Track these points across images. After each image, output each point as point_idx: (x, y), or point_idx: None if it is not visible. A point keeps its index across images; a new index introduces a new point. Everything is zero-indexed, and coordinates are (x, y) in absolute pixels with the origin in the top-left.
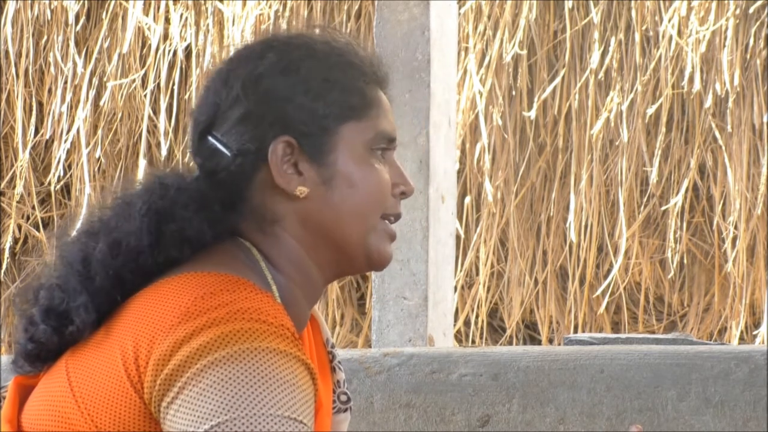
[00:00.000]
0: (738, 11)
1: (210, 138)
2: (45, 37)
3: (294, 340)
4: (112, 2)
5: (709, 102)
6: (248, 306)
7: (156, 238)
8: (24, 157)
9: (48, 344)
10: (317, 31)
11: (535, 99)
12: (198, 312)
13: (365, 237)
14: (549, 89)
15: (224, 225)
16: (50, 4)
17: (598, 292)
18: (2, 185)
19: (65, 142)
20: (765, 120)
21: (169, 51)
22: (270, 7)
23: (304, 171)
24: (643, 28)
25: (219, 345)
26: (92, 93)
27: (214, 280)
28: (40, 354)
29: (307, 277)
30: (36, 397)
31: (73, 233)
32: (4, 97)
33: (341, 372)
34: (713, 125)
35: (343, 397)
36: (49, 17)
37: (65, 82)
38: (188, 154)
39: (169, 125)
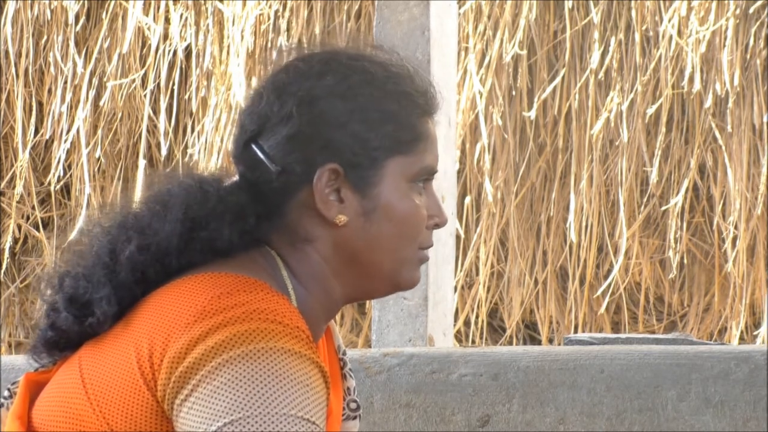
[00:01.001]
0: (738, 11)
1: (255, 148)
2: (45, 37)
3: (308, 342)
4: (112, 2)
5: (709, 102)
6: (264, 307)
7: (185, 243)
8: (24, 157)
9: (68, 332)
10: (377, 52)
11: (535, 99)
12: (214, 311)
13: (397, 269)
14: (549, 89)
15: (255, 235)
16: (50, 4)
17: (599, 292)
18: (2, 185)
19: (65, 142)
20: (765, 120)
21: (169, 51)
22: (270, 7)
23: (346, 199)
24: (643, 28)
25: (233, 344)
26: (92, 93)
27: (231, 281)
28: (59, 342)
29: (328, 295)
30: (48, 393)
31: (106, 224)
32: (4, 97)
33: (352, 379)
34: (713, 125)
35: (353, 405)
36: (49, 17)
37: (65, 82)
38: (230, 158)
39: (169, 125)
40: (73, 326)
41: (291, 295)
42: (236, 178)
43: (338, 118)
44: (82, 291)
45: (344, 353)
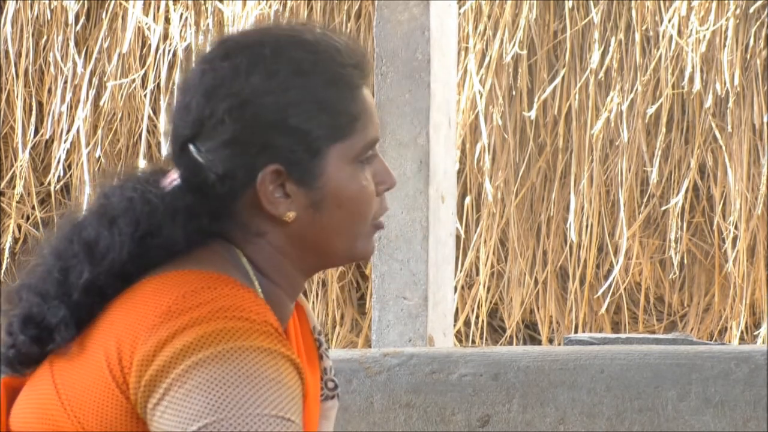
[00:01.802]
0: (738, 11)
1: (194, 152)
2: (45, 37)
3: (278, 336)
4: (112, 2)
5: (709, 102)
6: (230, 303)
7: (140, 252)
8: (24, 157)
9: (29, 353)
10: (293, 28)
11: (535, 99)
12: (179, 311)
13: (352, 245)
14: (549, 89)
15: (210, 230)
16: (50, 4)
17: (599, 293)
18: (2, 185)
19: (65, 142)
20: (765, 120)
21: (169, 51)
22: (270, 7)
23: (293, 194)
24: (643, 28)
25: (203, 345)
26: (92, 93)
27: (195, 278)
28: (21, 361)
29: (288, 279)
30: (23, 399)
31: (51, 235)
32: (4, 97)
33: (328, 359)
34: (713, 125)
35: (331, 384)
36: (49, 17)
37: (65, 82)
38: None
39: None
40: (32, 347)
41: (254, 283)
42: (178, 180)
43: (272, 118)
44: (36, 310)
45: (320, 333)
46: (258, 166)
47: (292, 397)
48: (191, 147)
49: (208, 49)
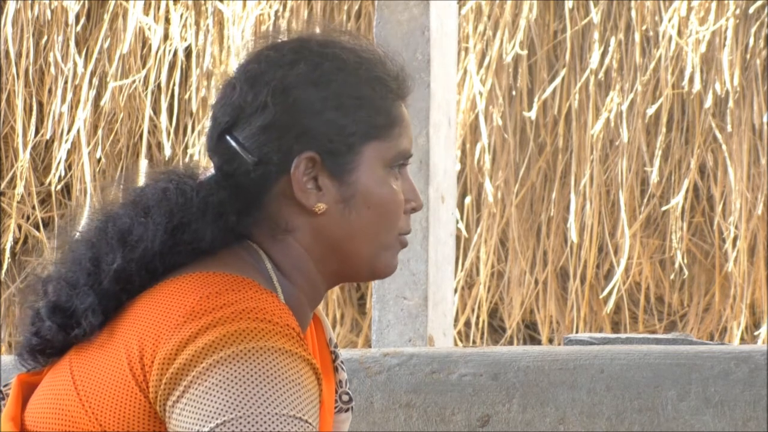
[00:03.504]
0: (738, 11)
1: (230, 139)
2: (45, 37)
3: (299, 340)
4: (112, 2)
5: (709, 102)
6: (253, 305)
7: (170, 247)
8: (24, 157)
9: (53, 341)
10: (346, 37)
11: (535, 99)
12: (203, 311)
13: (376, 255)
14: (549, 89)
15: (237, 231)
16: (50, 4)
17: (603, 295)
18: (2, 185)
19: (66, 142)
20: (765, 120)
21: (170, 51)
22: (270, 7)
23: (324, 187)
24: (643, 28)
25: (224, 344)
26: (92, 93)
27: (219, 280)
28: (44, 350)
29: (311, 284)
30: (39, 395)
31: (82, 228)
32: (4, 97)
33: (343, 372)
34: (713, 125)
35: (345, 397)
36: (49, 17)
37: (65, 82)
38: (205, 152)
39: (170, 125)
40: (58, 335)
41: (277, 289)
42: (212, 172)
43: (313, 106)
44: (65, 298)
45: (335, 346)
46: (294, 151)
47: (310, 399)
48: (228, 137)
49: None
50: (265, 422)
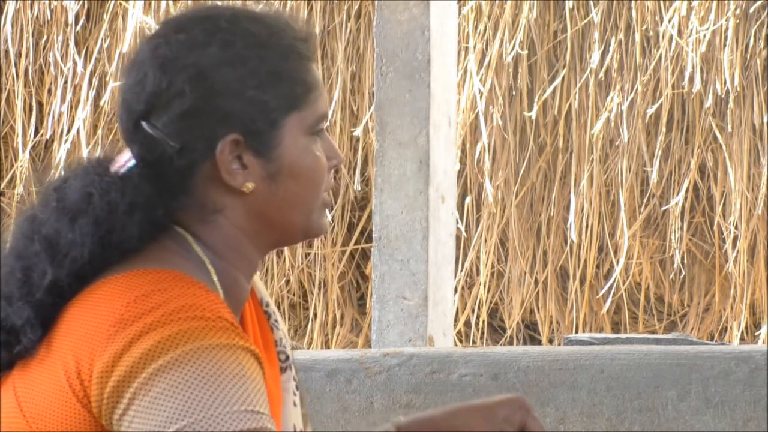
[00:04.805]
0: (738, 11)
1: (148, 127)
2: (45, 37)
3: (234, 329)
4: (112, 2)
5: (709, 102)
6: (182, 303)
7: (99, 249)
8: (24, 157)
9: None
10: (243, 3)
11: (535, 99)
12: (132, 318)
13: (308, 219)
14: (549, 89)
15: (164, 223)
16: (50, 4)
17: (601, 294)
18: (2, 185)
19: (65, 142)
20: (765, 120)
21: None
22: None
23: (250, 165)
24: (643, 28)
25: (162, 350)
26: (92, 93)
27: (144, 280)
28: None
29: (245, 259)
30: None
31: (9, 236)
32: (4, 97)
33: (279, 330)
34: (713, 125)
35: (282, 356)
36: (49, 17)
37: (65, 82)
38: (122, 140)
39: None
40: (2, 353)
41: (210, 270)
42: (132, 160)
43: (231, 87)
44: (3, 315)
45: (267, 305)
46: (217, 136)
47: (257, 388)
48: (144, 124)
49: (156, 27)
50: (218, 422)
